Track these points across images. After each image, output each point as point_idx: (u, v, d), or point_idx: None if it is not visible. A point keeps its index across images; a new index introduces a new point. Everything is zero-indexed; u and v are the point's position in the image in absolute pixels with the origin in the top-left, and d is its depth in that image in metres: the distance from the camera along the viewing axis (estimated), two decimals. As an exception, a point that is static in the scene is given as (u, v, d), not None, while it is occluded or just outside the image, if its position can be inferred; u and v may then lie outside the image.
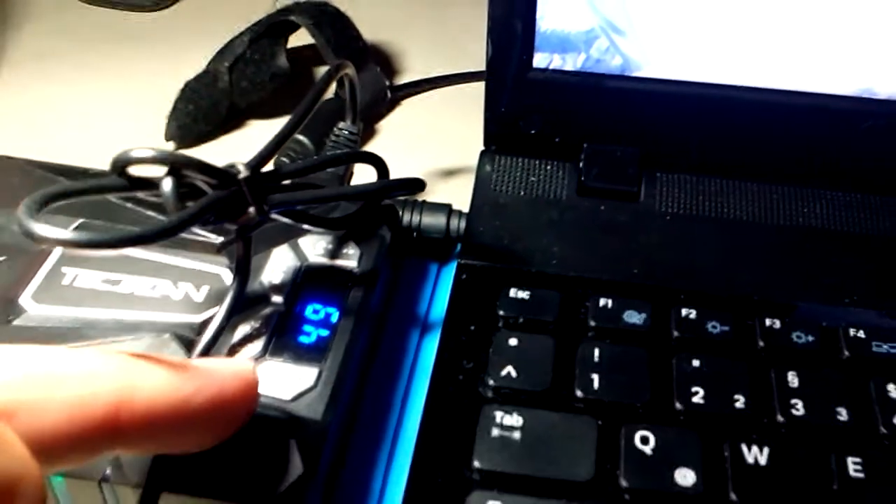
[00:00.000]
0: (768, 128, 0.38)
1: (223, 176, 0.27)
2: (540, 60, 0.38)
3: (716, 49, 0.36)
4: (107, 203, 0.33)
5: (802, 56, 0.36)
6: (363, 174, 0.37)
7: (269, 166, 0.30)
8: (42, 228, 0.23)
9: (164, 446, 0.24)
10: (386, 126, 0.51)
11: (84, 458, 0.22)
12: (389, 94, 0.51)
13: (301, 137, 0.45)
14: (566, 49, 0.37)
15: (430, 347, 0.34)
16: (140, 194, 0.28)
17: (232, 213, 0.28)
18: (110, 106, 0.51)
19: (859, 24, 0.35)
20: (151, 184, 0.27)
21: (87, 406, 0.21)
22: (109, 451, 0.22)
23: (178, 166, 0.26)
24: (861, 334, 0.32)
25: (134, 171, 0.26)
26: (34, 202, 0.24)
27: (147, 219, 0.33)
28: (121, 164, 0.26)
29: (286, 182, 0.31)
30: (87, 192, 0.26)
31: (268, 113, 0.50)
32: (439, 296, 0.37)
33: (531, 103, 0.39)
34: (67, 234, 0.23)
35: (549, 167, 0.40)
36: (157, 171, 0.27)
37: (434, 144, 0.48)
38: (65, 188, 0.25)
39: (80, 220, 0.33)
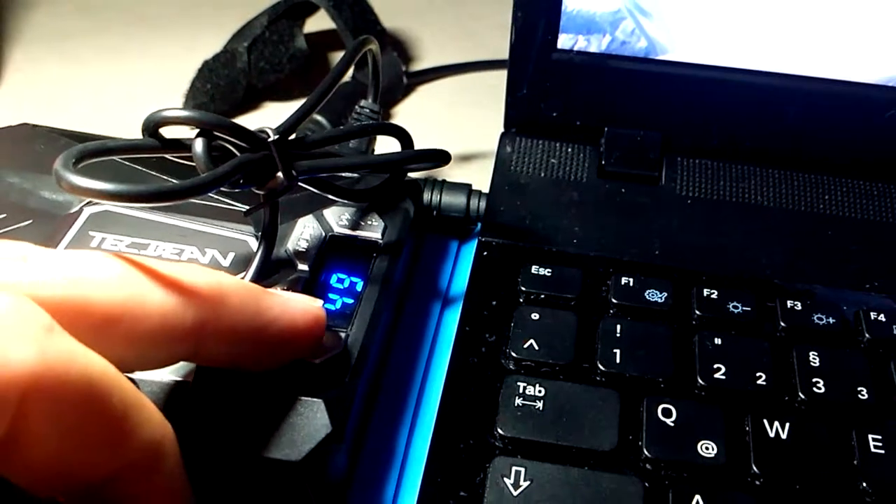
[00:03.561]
0: (791, 114, 0.38)
1: (253, 139, 0.28)
2: (564, 42, 0.38)
3: (741, 34, 0.36)
4: (132, 172, 0.33)
5: (827, 43, 0.36)
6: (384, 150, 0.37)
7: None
8: (80, 180, 0.23)
9: (235, 363, 0.25)
10: (401, 111, 0.51)
11: (165, 363, 0.23)
12: (406, 80, 0.52)
13: (319, 118, 0.45)
14: (591, 30, 0.37)
15: (452, 321, 0.34)
16: (170, 156, 0.28)
17: (260, 177, 0.28)
18: (127, 86, 0.51)
19: (885, 11, 0.35)
20: (183, 145, 0.27)
21: (179, 315, 0.22)
22: (187, 360, 0.24)
23: (209, 127, 0.27)
24: (882, 318, 0.32)
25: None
26: (72, 155, 0.24)
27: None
28: (153, 124, 0.27)
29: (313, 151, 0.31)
30: (122, 151, 0.26)
31: (284, 95, 0.50)
32: (459, 272, 0.37)
33: (554, 86, 0.39)
34: (105, 185, 0.23)
35: (569, 150, 0.40)
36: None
37: (449, 131, 0.48)
38: (101, 145, 0.25)
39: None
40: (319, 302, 0.27)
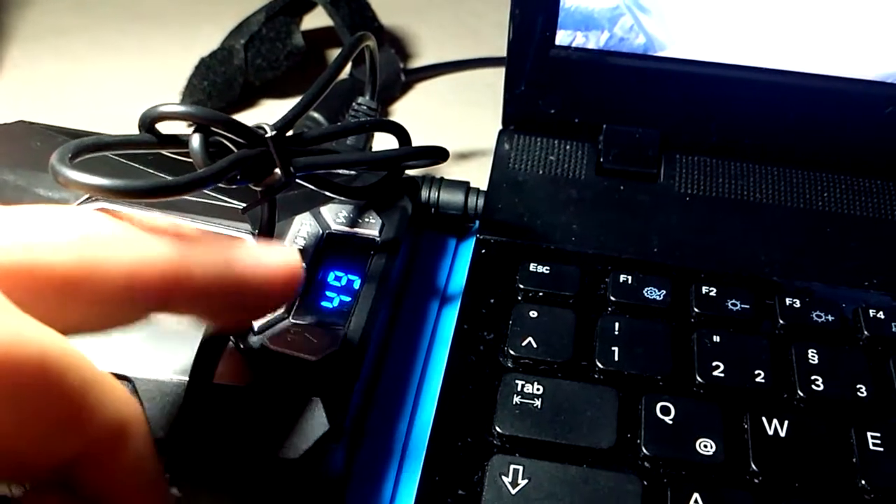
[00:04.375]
0: (790, 111, 0.38)
1: (250, 135, 0.27)
2: (563, 38, 0.38)
3: (740, 30, 0.36)
4: (127, 169, 0.33)
5: (826, 39, 0.36)
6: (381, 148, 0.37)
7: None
8: (76, 175, 0.23)
9: (209, 318, 0.24)
10: (399, 109, 0.51)
11: (134, 322, 0.22)
12: (403, 77, 0.51)
13: (316, 115, 0.45)
14: (589, 27, 0.37)
15: (449, 319, 0.34)
16: (167, 151, 0.28)
17: (258, 173, 0.28)
18: (124, 83, 0.51)
19: (883, 7, 0.35)
20: (179, 140, 0.27)
21: (145, 272, 0.21)
22: (159, 313, 0.22)
23: (206, 122, 0.26)
24: (881, 315, 0.32)
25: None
26: (68, 150, 0.24)
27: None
28: (149, 120, 0.26)
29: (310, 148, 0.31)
30: (118, 146, 0.26)
31: (281, 92, 0.50)
32: (457, 270, 0.37)
33: (552, 82, 0.39)
34: (101, 180, 0.22)
35: (567, 147, 0.40)
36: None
37: (447, 128, 0.48)
38: (97, 140, 0.25)
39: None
40: (296, 253, 0.25)
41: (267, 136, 0.28)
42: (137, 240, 0.21)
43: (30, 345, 0.17)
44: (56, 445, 0.19)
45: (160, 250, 0.21)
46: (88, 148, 0.24)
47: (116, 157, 0.34)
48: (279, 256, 0.25)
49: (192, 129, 0.27)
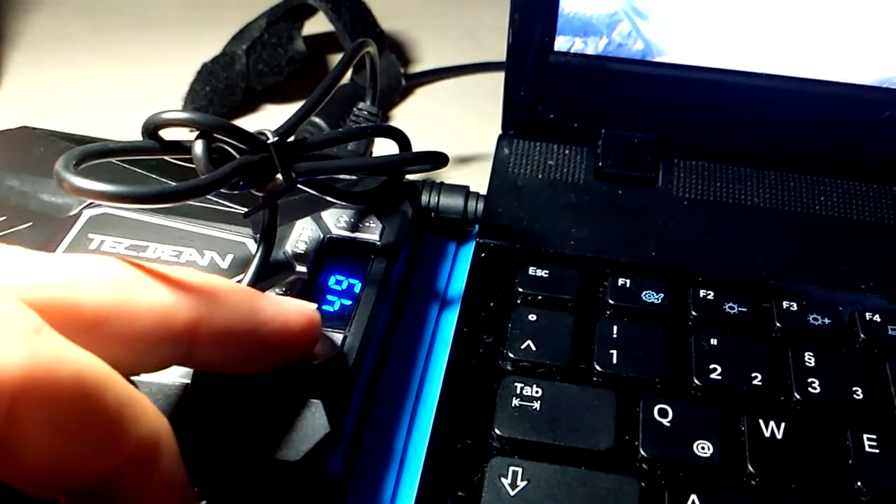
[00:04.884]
0: (787, 116, 0.38)
1: (253, 141, 0.28)
2: (561, 44, 0.38)
3: (738, 36, 0.37)
4: (129, 175, 0.34)
5: (823, 45, 0.36)
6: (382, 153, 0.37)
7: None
8: (81, 181, 0.23)
9: (230, 367, 0.25)
10: (399, 114, 0.51)
11: (159, 366, 0.23)
12: (404, 82, 0.52)
13: (317, 120, 0.45)
14: (588, 33, 0.37)
15: (449, 322, 0.34)
16: (170, 158, 0.28)
17: (260, 178, 0.28)
18: (127, 88, 0.51)
19: (880, 13, 0.35)
20: (182, 146, 0.27)
21: (172, 316, 0.22)
22: (181, 363, 0.23)
23: (209, 129, 0.27)
24: (877, 318, 0.33)
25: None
26: (72, 157, 0.24)
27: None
28: (152, 126, 0.27)
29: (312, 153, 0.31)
30: (122, 153, 0.26)
31: (283, 97, 0.51)
32: (457, 273, 0.37)
33: (551, 87, 0.39)
34: (106, 186, 0.23)
35: (566, 151, 0.40)
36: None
37: (447, 133, 0.48)
38: (101, 147, 0.25)
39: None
40: (314, 305, 0.27)
41: (269, 142, 0.28)
42: (167, 284, 0.22)
43: (70, 365, 0.18)
44: (94, 461, 0.19)
45: (188, 295, 0.22)
46: (93, 155, 0.25)
47: (119, 164, 0.34)
48: (299, 307, 0.26)
49: (194, 135, 0.27)
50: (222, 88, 0.48)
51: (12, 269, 0.20)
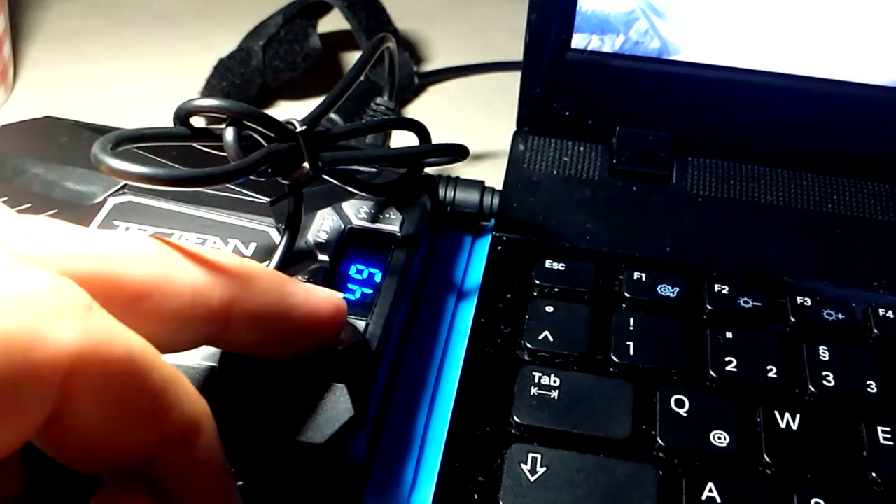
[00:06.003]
0: (801, 115, 0.39)
1: (281, 129, 0.28)
2: (578, 42, 0.39)
3: (753, 35, 0.37)
4: (153, 164, 0.34)
5: (839, 44, 0.37)
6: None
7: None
8: (118, 163, 0.23)
9: (259, 349, 0.25)
10: (412, 111, 0.51)
11: (192, 344, 0.23)
12: (417, 80, 0.52)
13: (334, 116, 0.46)
14: (605, 31, 0.38)
15: (467, 313, 0.35)
16: (199, 145, 0.29)
17: (287, 167, 0.29)
18: (142, 83, 0.52)
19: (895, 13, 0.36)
20: (213, 134, 0.28)
21: (208, 295, 0.22)
22: (213, 343, 0.24)
23: (239, 116, 0.27)
24: (890, 314, 0.33)
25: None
26: (109, 140, 0.24)
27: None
28: (184, 113, 0.27)
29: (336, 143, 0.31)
30: (156, 139, 0.27)
31: (298, 94, 0.51)
32: (473, 266, 0.37)
33: (567, 85, 0.40)
34: (144, 168, 0.23)
35: (581, 148, 0.41)
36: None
37: (460, 131, 0.49)
38: (136, 132, 0.26)
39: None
40: (340, 294, 0.27)
41: (297, 130, 0.29)
42: (202, 264, 0.23)
43: (119, 343, 0.19)
44: (140, 438, 0.20)
45: (223, 276, 0.23)
46: (128, 139, 0.25)
47: (140, 152, 0.34)
48: (327, 294, 0.26)
49: (224, 123, 0.27)
50: (239, 83, 0.49)
51: (55, 240, 0.20)
